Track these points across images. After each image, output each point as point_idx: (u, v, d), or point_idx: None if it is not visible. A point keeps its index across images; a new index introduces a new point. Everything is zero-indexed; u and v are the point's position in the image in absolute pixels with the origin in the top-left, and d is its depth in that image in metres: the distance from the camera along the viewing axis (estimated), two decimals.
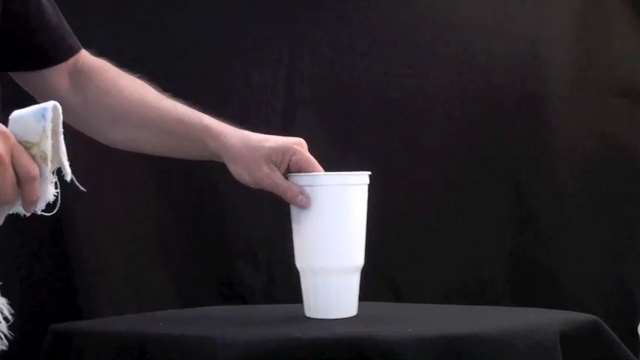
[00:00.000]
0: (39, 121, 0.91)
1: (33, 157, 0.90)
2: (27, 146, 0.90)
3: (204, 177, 1.88)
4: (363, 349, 1.02)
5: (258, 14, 1.91)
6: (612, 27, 1.99)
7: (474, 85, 1.96)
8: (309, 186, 1.19)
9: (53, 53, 1.26)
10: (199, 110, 1.28)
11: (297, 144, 1.23)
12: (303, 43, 1.92)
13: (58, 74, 1.27)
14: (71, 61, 1.28)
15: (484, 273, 1.94)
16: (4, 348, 1.02)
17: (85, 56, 1.30)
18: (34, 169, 0.90)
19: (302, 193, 1.18)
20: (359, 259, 1.21)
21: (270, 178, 1.20)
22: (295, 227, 1.21)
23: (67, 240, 1.80)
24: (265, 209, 1.87)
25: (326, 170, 1.23)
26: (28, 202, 0.91)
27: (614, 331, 1.22)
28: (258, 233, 1.89)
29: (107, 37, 1.75)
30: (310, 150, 1.28)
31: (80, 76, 1.28)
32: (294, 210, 1.21)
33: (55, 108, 0.92)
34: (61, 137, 0.93)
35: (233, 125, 1.26)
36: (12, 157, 0.88)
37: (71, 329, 1.20)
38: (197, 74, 1.87)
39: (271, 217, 1.87)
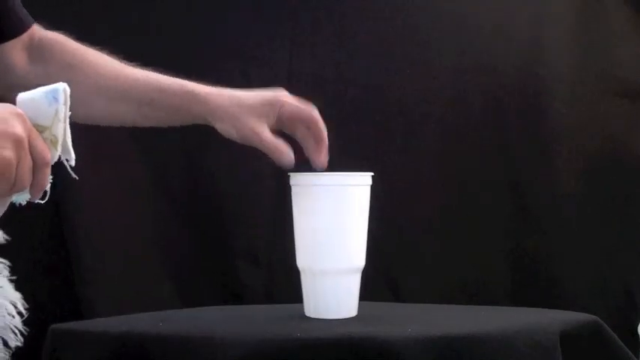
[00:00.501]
0: (51, 104, 0.89)
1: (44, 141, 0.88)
2: (39, 130, 0.88)
3: (204, 177, 1.89)
4: (363, 349, 1.02)
5: (259, 14, 1.91)
6: (612, 27, 1.99)
7: (473, 85, 1.96)
8: (311, 186, 1.19)
9: (6, 28, 1.20)
10: None
11: (283, 95, 1.22)
12: (303, 43, 1.92)
13: (13, 50, 1.21)
14: (25, 36, 1.21)
15: (484, 273, 1.94)
16: (18, 344, 1.01)
17: (39, 31, 1.23)
18: (48, 155, 0.88)
19: (289, 154, 1.16)
20: (360, 260, 1.21)
21: (258, 135, 1.18)
22: (297, 227, 1.21)
23: (66, 240, 1.80)
24: (265, 209, 1.87)
25: (326, 170, 1.23)
26: (38, 188, 0.88)
27: (614, 331, 1.22)
28: (258, 233, 1.89)
29: (107, 35, 1.75)
30: None
31: (41, 51, 1.22)
32: (295, 210, 1.20)
33: (65, 90, 0.89)
34: (68, 121, 0.91)
35: None
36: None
37: (71, 329, 1.20)
38: (197, 74, 1.86)
39: (271, 217, 1.87)
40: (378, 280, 1.86)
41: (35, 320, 1.71)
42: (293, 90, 1.92)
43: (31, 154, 0.87)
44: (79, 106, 1.18)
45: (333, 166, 1.24)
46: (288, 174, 1.21)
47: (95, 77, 1.21)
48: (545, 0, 2.00)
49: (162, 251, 1.87)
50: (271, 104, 1.20)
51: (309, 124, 1.21)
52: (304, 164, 1.22)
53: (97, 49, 1.24)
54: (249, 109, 1.19)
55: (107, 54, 1.24)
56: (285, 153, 1.17)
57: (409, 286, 1.92)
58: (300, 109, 1.21)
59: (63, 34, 1.24)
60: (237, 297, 1.87)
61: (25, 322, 1.67)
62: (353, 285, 1.21)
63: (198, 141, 1.89)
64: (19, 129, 0.85)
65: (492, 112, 1.97)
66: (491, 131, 1.97)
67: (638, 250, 1.97)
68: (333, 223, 1.18)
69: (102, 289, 1.79)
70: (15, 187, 0.86)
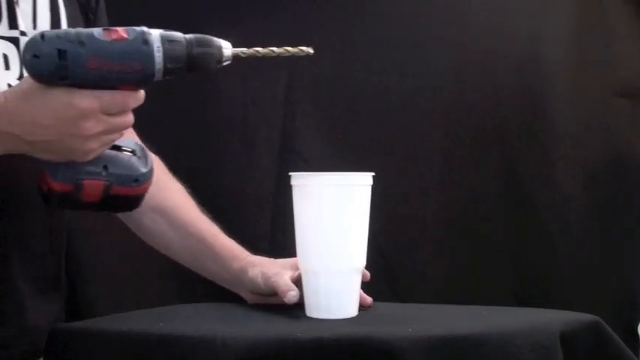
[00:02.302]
0: None
1: None
2: None
3: (204, 177, 1.88)
4: (363, 349, 1.02)
5: (259, 14, 1.91)
6: (612, 27, 1.99)
7: (474, 85, 1.96)
8: (312, 186, 1.18)
9: None
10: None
11: None
12: (304, 43, 1.92)
13: None
14: None
15: (484, 273, 1.94)
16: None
17: None
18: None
19: (297, 295, 1.25)
20: (360, 260, 1.21)
21: (279, 274, 1.29)
22: (298, 227, 1.21)
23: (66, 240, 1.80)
24: (265, 209, 1.87)
25: (326, 170, 1.23)
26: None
27: (614, 331, 1.22)
28: (258, 233, 1.89)
29: None
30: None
31: None
32: (296, 209, 1.20)
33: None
34: None
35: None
36: None
37: (71, 329, 1.20)
38: (196, 75, 1.86)
39: (271, 217, 1.87)
40: (378, 280, 1.86)
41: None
42: (292, 90, 1.93)
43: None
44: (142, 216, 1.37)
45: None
46: (289, 174, 1.21)
47: (170, 204, 1.39)
48: (545, 0, 2.00)
49: None
50: (296, 266, 1.29)
51: None
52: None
53: None
54: (279, 262, 1.34)
55: None
56: (294, 292, 1.25)
57: (409, 286, 1.92)
58: None
59: None
60: (237, 297, 1.87)
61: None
62: (353, 285, 1.21)
63: (199, 141, 1.89)
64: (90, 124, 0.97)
65: (492, 112, 1.96)
66: (491, 131, 1.96)
67: (638, 250, 1.97)
68: (333, 223, 1.18)
69: (102, 289, 1.79)
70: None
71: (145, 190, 1.08)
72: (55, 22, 1.23)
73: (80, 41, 0.96)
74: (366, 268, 1.23)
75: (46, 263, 1.28)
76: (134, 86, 1.00)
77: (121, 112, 1.00)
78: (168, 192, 1.38)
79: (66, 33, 0.97)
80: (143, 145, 1.12)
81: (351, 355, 1.01)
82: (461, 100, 1.96)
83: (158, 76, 1.00)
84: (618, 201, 1.98)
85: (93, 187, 1.03)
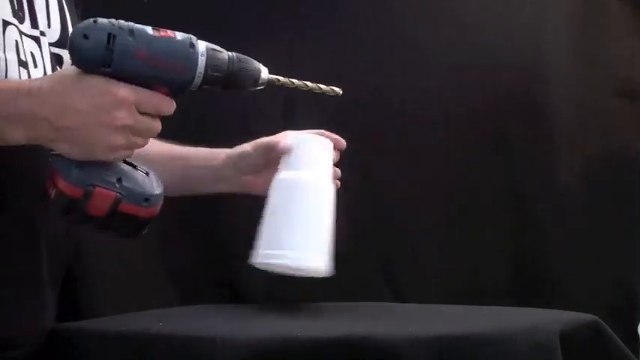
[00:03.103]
0: None
1: None
2: None
3: None
4: (363, 348, 1.02)
5: (259, 13, 1.91)
6: (612, 27, 1.99)
7: (474, 85, 1.96)
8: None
9: None
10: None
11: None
12: (304, 43, 1.93)
13: None
14: None
15: (484, 273, 1.94)
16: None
17: None
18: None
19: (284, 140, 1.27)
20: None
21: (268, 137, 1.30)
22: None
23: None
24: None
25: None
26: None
27: (614, 331, 1.22)
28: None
29: None
30: None
31: None
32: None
33: None
34: None
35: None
36: None
37: (71, 329, 1.20)
38: None
39: None
40: (378, 280, 1.86)
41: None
42: (292, 91, 1.93)
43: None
44: None
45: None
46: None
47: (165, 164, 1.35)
48: (545, 0, 2.00)
49: (163, 251, 1.87)
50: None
51: None
52: None
53: None
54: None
55: None
56: (286, 142, 1.26)
57: (409, 286, 1.92)
58: None
59: None
60: (237, 297, 1.87)
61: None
62: None
63: (198, 140, 1.89)
64: (122, 114, 0.97)
65: (492, 111, 1.97)
66: (491, 131, 1.97)
67: (638, 249, 1.97)
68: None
69: (102, 289, 1.79)
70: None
71: (152, 214, 1.06)
72: (63, 24, 1.23)
73: (131, 30, 0.98)
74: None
75: (64, 264, 1.28)
76: (171, 88, 1.02)
77: (153, 113, 1.02)
78: None
79: (118, 21, 0.99)
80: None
81: (351, 355, 1.02)
82: (461, 100, 1.96)
83: (197, 81, 1.02)
84: (618, 201, 1.98)
85: (103, 197, 1.01)
